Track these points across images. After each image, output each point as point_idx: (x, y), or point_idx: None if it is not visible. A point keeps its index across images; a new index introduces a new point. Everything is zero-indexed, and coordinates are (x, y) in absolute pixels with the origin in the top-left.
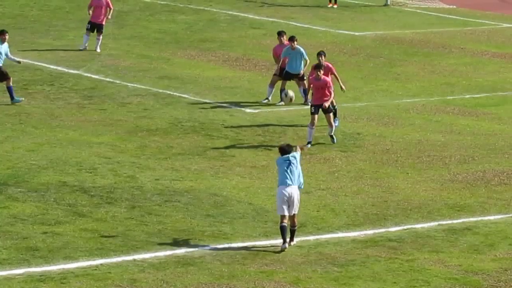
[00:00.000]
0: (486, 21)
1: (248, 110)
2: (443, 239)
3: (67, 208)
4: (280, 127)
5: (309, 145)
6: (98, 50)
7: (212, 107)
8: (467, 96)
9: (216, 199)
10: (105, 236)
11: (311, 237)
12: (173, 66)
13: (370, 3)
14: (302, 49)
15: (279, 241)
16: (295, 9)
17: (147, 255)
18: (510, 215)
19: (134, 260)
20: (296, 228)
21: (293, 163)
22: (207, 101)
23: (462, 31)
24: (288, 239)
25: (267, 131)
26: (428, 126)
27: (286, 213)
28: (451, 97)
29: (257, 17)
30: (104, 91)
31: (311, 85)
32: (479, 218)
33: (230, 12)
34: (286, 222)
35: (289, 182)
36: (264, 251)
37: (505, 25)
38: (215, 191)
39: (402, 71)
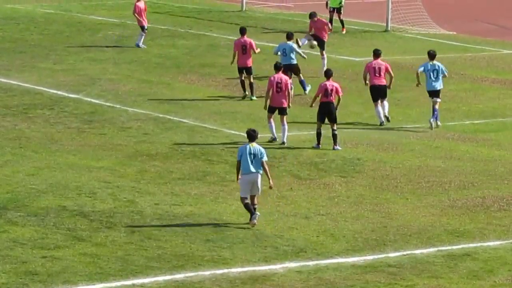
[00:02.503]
0: (486, 47)
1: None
2: (442, 265)
3: (67, 233)
4: (280, 152)
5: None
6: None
7: (212, 132)
8: (467, 122)
9: (216, 224)
10: (105, 261)
11: (311, 262)
12: (173, 90)
13: (370, 29)
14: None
15: (279, 266)
16: (296, 35)
17: (146, 280)
18: (510, 241)
19: (133, 284)
20: (256, 206)
21: (257, 156)
22: (207, 126)
23: (462, 57)
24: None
25: (267, 156)
26: (428, 152)
27: (248, 195)
28: (451, 123)
29: (257, 42)
30: (104, 115)
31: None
32: (479, 244)
33: (231, 37)
34: (248, 201)
35: (253, 170)
36: (263, 276)
37: (505, 51)
38: (214, 216)
39: (402, 96)
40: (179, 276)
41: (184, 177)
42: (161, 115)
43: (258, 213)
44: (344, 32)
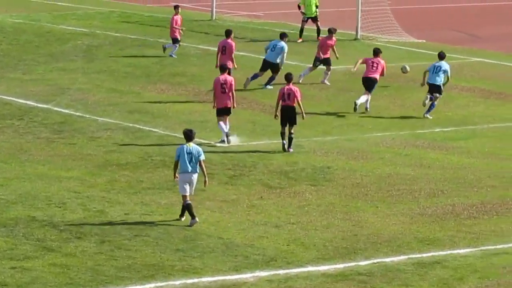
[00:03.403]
0: (456, 55)
1: (218, 144)
2: (412, 272)
3: (36, 243)
4: (250, 161)
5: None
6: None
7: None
8: (437, 130)
9: (186, 233)
10: (75, 271)
11: (281, 271)
12: (143, 100)
13: (340, 38)
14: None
15: (250, 275)
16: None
17: None
18: (480, 248)
19: None
20: (190, 203)
21: (195, 156)
22: (177, 135)
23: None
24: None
25: (237, 165)
26: (398, 160)
27: (187, 193)
28: (421, 131)
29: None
30: (74, 125)
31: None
32: (449, 252)
33: (201, 46)
34: (188, 199)
35: (190, 170)
36: (234, 285)
37: (474, 59)
38: (185, 226)
39: (372, 105)
40: (150, 286)
41: (154, 186)
42: (131, 125)
43: (183, 219)
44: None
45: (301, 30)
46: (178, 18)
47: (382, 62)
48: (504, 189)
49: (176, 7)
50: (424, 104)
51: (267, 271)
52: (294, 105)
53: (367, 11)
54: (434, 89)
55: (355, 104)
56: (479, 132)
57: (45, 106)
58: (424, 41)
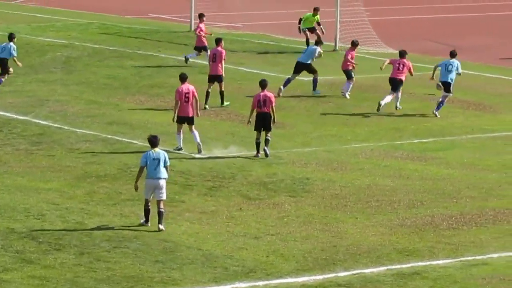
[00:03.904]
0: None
1: (197, 155)
2: (392, 283)
3: (15, 255)
4: (230, 172)
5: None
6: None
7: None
8: (416, 141)
9: (165, 245)
10: (54, 283)
11: (261, 283)
12: (122, 111)
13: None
14: None
15: (229, 286)
16: (245, 55)
17: None
18: (459, 259)
19: None
20: (163, 210)
21: (161, 161)
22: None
23: (411, 76)
24: (154, 222)
25: (216, 176)
26: (377, 171)
27: (150, 198)
28: (400, 142)
29: (206, 63)
30: (53, 137)
31: None
32: (428, 263)
33: (179, 58)
34: (150, 205)
35: (156, 175)
36: None
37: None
38: (164, 237)
39: (351, 116)
40: None
41: (133, 198)
42: (109, 136)
43: (161, 226)
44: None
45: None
46: (202, 25)
47: (408, 63)
48: (483, 200)
49: (201, 15)
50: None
51: (247, 282)
52: (269, 111)
53: (345, 22)
54: (446, 86)
55: (379, 105)
56: (458, 143)
57: (23, 117)
58: None
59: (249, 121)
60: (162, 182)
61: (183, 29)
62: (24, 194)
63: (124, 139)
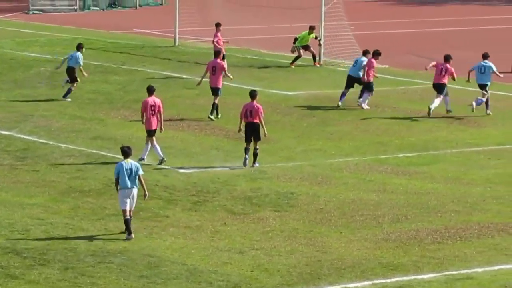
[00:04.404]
0: (419, 80)
1: (181, 170)
2: None
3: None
4: (214, 187)
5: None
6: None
7: (145, 168)
8: (400, 155)
9: (150, 260)
10: None
11: None
12: (106, 126)
13: (303, 63)
14: None
15: None
16: (230, 69)
17: None
18: (444, 273)
19: None
20: (130, 218)
21: (134, 171)
22: (142, 162)
23: (395, 90)
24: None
25: (200, 191)
26: (361, 185)
27: (128, 208)
28: (384, 156)
29: (190, 77)
30: (37, 152)
31: None
32: (413, 277)
33: (164, 73)
34: (128, 215)
35: (129, 185)
36: None
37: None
38: (148, 252)
39: (335, 130)
40: None
41: (118, 213)
42: (94, 151)
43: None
44: (319, 65)
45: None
46: (219, 35)
47: (450, 68)
48: (467, 214)
49: (217, 25)
50: (472, 110)
51: None
52: (257, 121)
53: (330, 36)
54: (482, 87)
55: (429, 109)
56: (442, 157)
57: (8, 133)
58: (387, 66)
59: (239, 129)
60: (134, 191)
61: (168, 44)
62: (9, 209)
63: (108, 154)
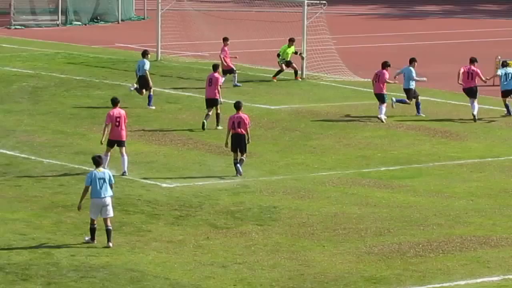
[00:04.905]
0: (402, 94)
1: (164, 185)
2: None
3: None
4: (197, 201)
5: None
6: None
7: (128, 182)
8: (383, 169)
9: (133, 274)
10: None
11: None
12: (89, 141)
13: (286, 77)
14: None
15: None
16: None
17: None
18: (426, 287)
19: None
20: (111, 228)
21: (106, 180)
22: (124, 177)
23: (377, 104)
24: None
25: (183, 205)
26: (344, 199)
27: (96, 217)
28: (367, 170)
29: (173, 92)
30: (19, 167)
31: None
32: None
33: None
34: (96, 224)
35: (102, 194)
36: None
37: (420, 97)
38: (131, 267)
39: (318, 144)
40: None
41: (100, 228)
42: (76, 166)
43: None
44: (300, 79)
45: (278, 72)
46: (227, 49)
47: (476, 70)
48: (450, 227)
49: (225, 39)
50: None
51: None
52: (244, 133)
53: (312, 50)
54: (508, 94)
55: (474, 116)
56: (424, 170)
57: None
58: (370, 80)
59: (226, 143)
60: (108, 200)
61: (150, 59)
62: None
63: (91, 169)
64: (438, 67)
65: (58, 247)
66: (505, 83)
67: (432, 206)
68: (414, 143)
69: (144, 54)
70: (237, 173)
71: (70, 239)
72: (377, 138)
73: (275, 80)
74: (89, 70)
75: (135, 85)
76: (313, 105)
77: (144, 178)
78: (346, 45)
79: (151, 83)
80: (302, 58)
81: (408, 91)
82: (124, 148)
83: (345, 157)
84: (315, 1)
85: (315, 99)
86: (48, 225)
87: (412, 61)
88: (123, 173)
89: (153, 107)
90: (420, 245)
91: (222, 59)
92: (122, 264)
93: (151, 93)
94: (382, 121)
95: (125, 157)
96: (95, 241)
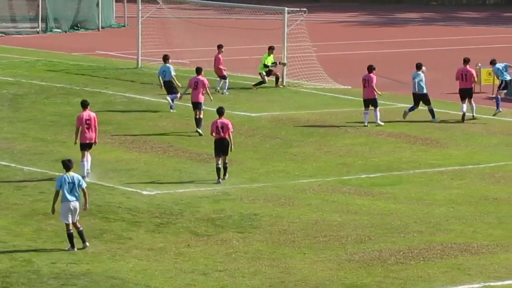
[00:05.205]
0: (381, 101)
1: (145, 192)
2: None
3: None
4: (177, 208)
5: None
6: None
7: (108, 190)
8: (363, 176)
9: (113, 282)
10: None
11: None
12: (69, 149)
13: (267, 84)
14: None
15: None
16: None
17: None
18: None
19: None
20: (82, 228)
21: (75, 184)
22: (104, 183)
23: (358, 111)
24: (76, 243)
25: (164, 213)
26: (325, 206)
27: (70, 222)
28: (347, 177)
29: (153, 99)
30: (0, 174)
31: None
32: None
33: (127, 95)
34: (71, 228)
35: (72, 199)
36: None
37: (399, 105)
38: (112, 274)
39: (298, 151)
40: None
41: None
42: (57, 174)
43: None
44: (281, 86)
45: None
46: (221, 56)
47: (471, 70)
48: (430, 234)
49: (219, 46)
50: None
51: None
52: (227, 137)
53: (293, 57)
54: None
55: (473, 117)
56: (405, 177)
57: None
58: (350, 87)
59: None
60: (77, 204)
61: (130, 66)
62: None
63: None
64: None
65: (39, 254)
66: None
67: (412, 213)
68: (395, 150)
69: (166, 59)
70: (218, 178)
71: (51, 246)
72: (357, 146)
73: (255, 88)
74: (69, 77)
75: (177, 95)
76: (294, 113)
77: (125, 186)
78: (327, 53)
79: (178, 86)
80: (284, 65)
81: (424, 96)
82: (90, 150)
83: (326, 164)
84: (296, 9)
85: (296, 106)
86: (28, 232)
87: (420, 66)
88: (84, 176)
89: (174, 111)
90: (401, 252)
91: (216, 68)
92: (103, 271)
93: (179, 95)
94: (381, 125)
95: (89, 158)
96: (75, 248)
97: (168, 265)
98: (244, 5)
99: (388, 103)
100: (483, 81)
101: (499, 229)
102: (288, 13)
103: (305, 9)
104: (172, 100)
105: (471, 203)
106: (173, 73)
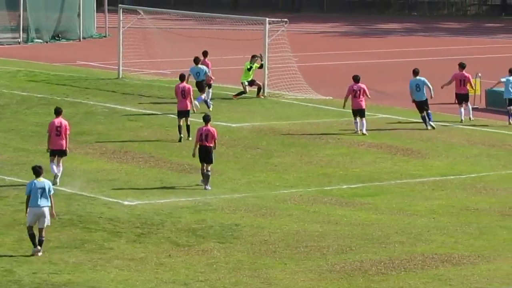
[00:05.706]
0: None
1: (126, 202)
2: None
3: None
4: (158, 218)
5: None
6: None
7: (90, 200)
8: (344, 187)
9: None
10: None
11: None
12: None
13: (247, 95)
14: None
15: None
16: (174, 101)
17: None
18: None
19: None
20: (44, 239)
21: (45, 190)
22: (85, 194)
23: (339, 122)
24: (39, 246)
25: (145, 223)
26: (306, 216)
27: (33, 225)
28: (328, 188)
29: (134, 110)
30: None
31: None
32: None
33: (107, 105)
34: (33, 232)
35: (40, 204)
36: None
37: (380, 115)
38: (93, 284)
39: (279, 162)
40: None
41: (62, 245)
42: None
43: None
44: (263, 97)
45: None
46: (209, 63)
47: (467, 75)
48: (411, 245)
49: (204, 53)
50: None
51: None
52: (210, 145)
53: (274, 68)
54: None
55: (470, 119)
56: (386, 188)
57: None
58: (331, 97)
59: (194, 154)
60: (46, 210)
61: (111, 76)
62: None
63: (53, 187)
64: (399, 85)
65: (20, 265)
66: (507, 91)
67: (393, 224)
68: (376, 161)
69: (197, 61)
70: (205, 185)
71: (32, 256)
72: (338, 156)
73: (235, 99)
74: (50, 87)
75: (202, 97)
76: (275, 123)
77: (106, 196)
78: (308, 63)
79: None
80: (261, 67)
81: (425, 102)
82: (62, 158)
83: (307, 174)
84: (277, 19)
85: (277, 116)
86: (9, 242)
87: (417, 72)
88: (56, 175)
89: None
90: (382, 263)
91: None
92: (84, 281)
93: (203, 97)
94: (365, 134)
95: (60, 168)
96: (38, 247)
97: (149, 276)
98: (224, 15)
99: (369, 113)
100: (477, 91)
101: (480, 240)
102: (270, 23)
103: (286, 19)
104: (203, 102)
105: (452, 213)
106: (208, 71)
